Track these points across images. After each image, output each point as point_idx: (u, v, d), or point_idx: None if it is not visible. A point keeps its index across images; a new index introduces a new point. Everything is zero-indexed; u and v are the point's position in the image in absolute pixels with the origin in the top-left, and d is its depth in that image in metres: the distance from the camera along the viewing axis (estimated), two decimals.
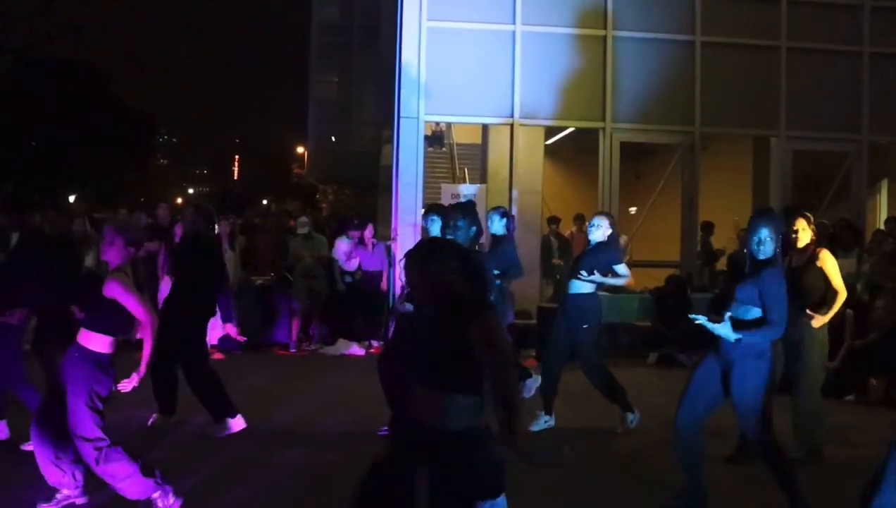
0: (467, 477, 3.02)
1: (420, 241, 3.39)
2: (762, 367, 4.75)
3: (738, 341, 4.70)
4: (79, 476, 4.71)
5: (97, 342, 4.60)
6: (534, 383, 8.24)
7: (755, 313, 4.78)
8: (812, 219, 6.22)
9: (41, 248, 6.39)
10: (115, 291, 4.61)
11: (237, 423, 6.59)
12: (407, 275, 3.17)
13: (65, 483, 4.69)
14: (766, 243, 4.80)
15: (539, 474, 5.77)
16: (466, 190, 12.19)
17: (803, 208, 6.33)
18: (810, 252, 6.09)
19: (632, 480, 5.78)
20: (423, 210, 7.44)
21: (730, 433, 6.92)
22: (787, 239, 6.25)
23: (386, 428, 6.84)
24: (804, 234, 6.08)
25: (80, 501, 4.75)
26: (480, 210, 11.15)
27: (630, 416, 7.04)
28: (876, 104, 13.07)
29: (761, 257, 4.81)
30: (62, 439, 4.62)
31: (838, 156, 13.32)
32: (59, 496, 4.70)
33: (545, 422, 7.08)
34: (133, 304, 4.61)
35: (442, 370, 3.03)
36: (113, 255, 4.72)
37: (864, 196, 13.30)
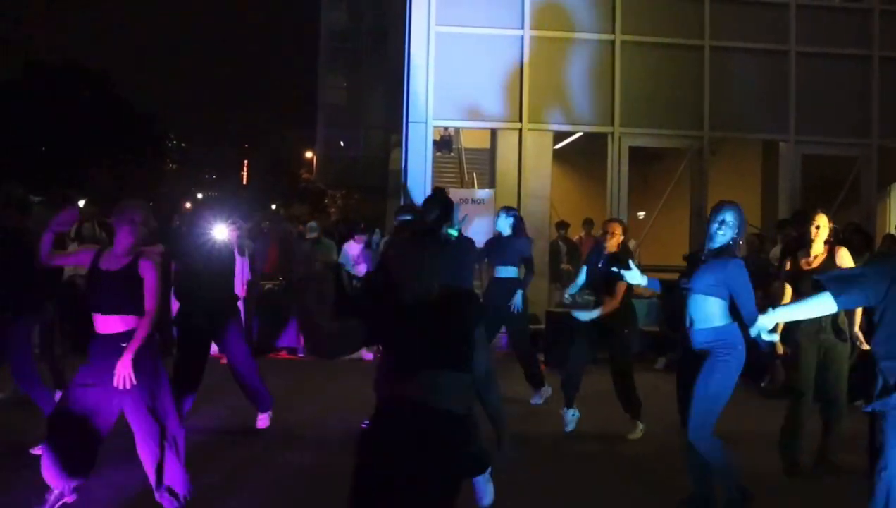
0: (457, 456, 3.05)
1: (404, 231, 3.42)
2: (732, 362, 4.71)
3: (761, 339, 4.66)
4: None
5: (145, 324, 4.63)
6: (546, 391, 8.24)
7: (714, 303, 4.73)
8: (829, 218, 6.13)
9: (25, 247, 6.35)
10: (148, 271, 4.63)
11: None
12: (389, 261, 3.21)
13: (62, 486, 4.67)
14: (727, 226, 4.73)
15: (539, 474, 5.78)
16: (479, 195, 12.20)
17: (819, 209, 6.20)
18: (826, 252, 6.00)
19: (632, 481, 5.77)
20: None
21: (736, 438, 6.91)
22: (800, 239, 6.19)
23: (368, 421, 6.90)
24: (825, 230, 5.94)
25: (69, 499, 4.73)
26: (490, 215, 11.24)
27: (640, 425, 7.04)
28: (885, 108, 13.03)
29: (719, 241, 4.74)
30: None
31: (848, 160, 13.28)
32: (49, 496, 4.68)
33: (574, 415, 7.07)
34: (153, 290, 4.63)
35: (436, 351, 3.07)
36: (133, 236, 4.70)
37: (874, 200, 13.26)
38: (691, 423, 4.73)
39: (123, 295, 4.61)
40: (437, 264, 3.15)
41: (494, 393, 4.78)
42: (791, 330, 5.91)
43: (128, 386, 4.53)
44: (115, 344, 4.58)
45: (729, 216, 4.74)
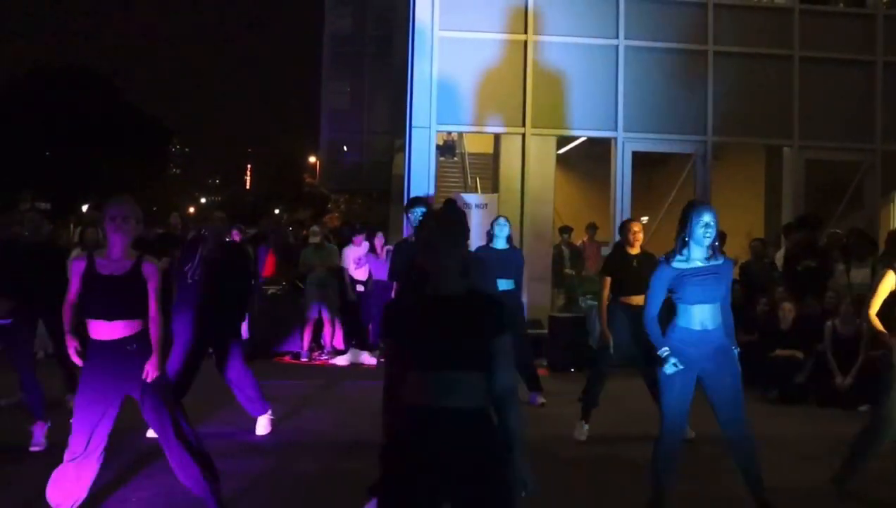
0: (488, 451, 2.97)
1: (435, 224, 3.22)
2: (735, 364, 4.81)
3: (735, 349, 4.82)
4: None
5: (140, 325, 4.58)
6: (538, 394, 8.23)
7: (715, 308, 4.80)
8: None
9: (15, 254, 6.32)
10: (152, 274, 4.58)
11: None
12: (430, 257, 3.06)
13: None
14: (711, 227, 4.70)
15: (538, 475, 5.77)
16: (480, 200, 12.18)
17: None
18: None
19: (632, 483, 5.77)
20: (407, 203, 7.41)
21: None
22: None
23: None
24: None
25: None
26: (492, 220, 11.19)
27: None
28: (889, 113, 13.02)
29: (707, 243, 4.72)
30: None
31: (851, 165, 13.26)
32: None
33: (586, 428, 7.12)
34: (156, 293, 4.59)
35: (460, 352, 2.98)
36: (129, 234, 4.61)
37: (878, 206, 13.24)
38: (738, 415, 4.80)
39: (130, 300, 4.52)
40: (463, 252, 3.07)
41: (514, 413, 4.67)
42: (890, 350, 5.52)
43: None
44: (121, 348, 4.50)
45: (709, 218, 4.71)
